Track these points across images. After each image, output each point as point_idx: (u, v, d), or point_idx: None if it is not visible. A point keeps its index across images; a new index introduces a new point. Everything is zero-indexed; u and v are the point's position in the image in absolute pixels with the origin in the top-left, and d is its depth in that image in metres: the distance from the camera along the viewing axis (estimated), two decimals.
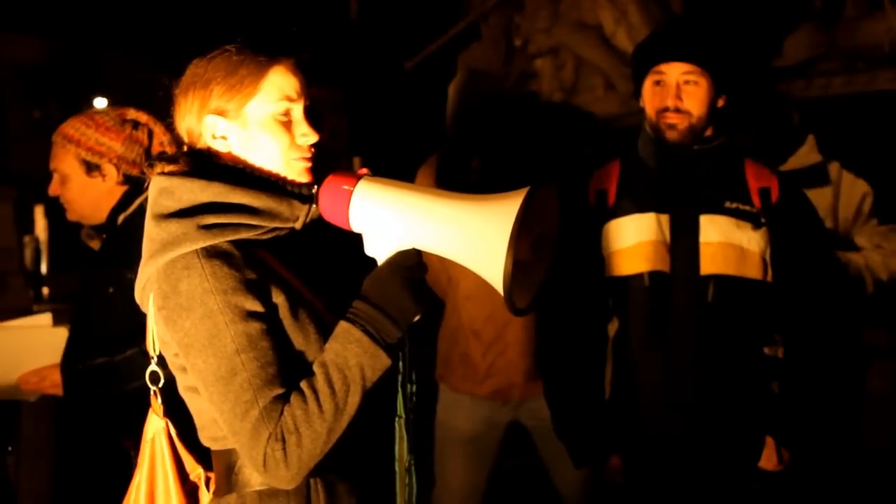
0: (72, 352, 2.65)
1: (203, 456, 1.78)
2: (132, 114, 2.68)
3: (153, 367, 1.77)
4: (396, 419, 1.68)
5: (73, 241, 2.90)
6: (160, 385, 1.78)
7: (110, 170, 2.64)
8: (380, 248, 1.63)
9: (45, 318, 2.75)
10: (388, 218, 1.60)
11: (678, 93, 2.46)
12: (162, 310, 1.61)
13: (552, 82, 6.68)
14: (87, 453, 2.80)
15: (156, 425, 1.80)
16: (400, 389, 1.67)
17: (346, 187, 1.62)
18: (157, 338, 1.71)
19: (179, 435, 1.80)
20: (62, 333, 2.67)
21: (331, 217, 1.65)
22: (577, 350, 2.64)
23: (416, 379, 1.69)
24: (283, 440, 1.53)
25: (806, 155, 3.15)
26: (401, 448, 1.68)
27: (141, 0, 10.20)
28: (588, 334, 2.64)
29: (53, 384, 2.61)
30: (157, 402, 1.80)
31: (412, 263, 1.60)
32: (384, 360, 1.58)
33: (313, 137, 1.69)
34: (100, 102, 9.84)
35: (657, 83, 2.50)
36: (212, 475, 1.76)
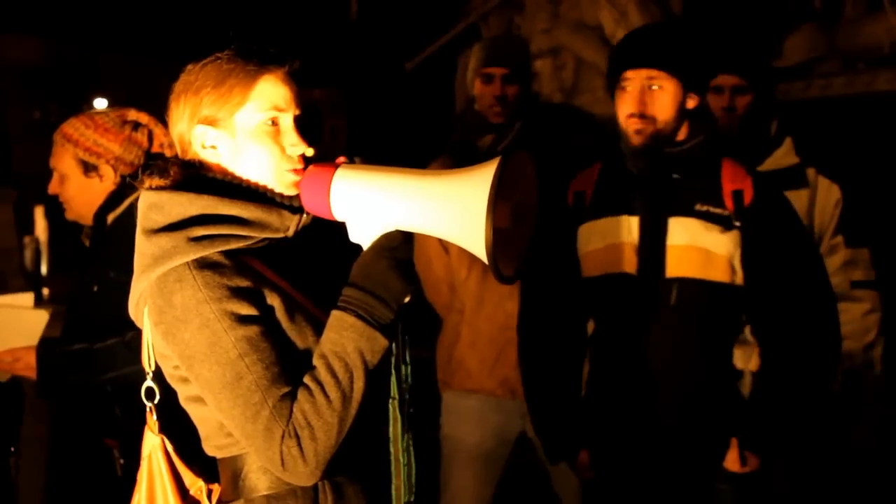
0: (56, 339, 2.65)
1: (204, 468, 1.78)
2: (133, 115, 2.69)
3: (149, 382, 1.76)
4: (390, 401, 1.67)
5: (73, 242, 2.90)
6: (156, 401, 1.78)
7: (107, 171, 2.64)
8: (364, 234, 1.63)
9: (27, 299, 2.73)
10: (368, 202, 1.60)
11: (642, 98, 2.50)
12: (159, 325, 1.61)
13: (552, 83, 6.68)
14: (73, 452, 2.80)
15: (152, 442, 1.79)
16: (394, 371, 1.66)
17: (324, 177, 1.62)
18: (153, 352, 1.71)
19: (177, 450, 1.79)
20: (42, 316, 2.65)
21: (313, 209, 1.65)
22: (555, 349, 2.67)
23: (410, 360, 1.68)
24: (297, 436, 1.54)
25: (783, 157, 3.17)
26: (395, 429, 1.67)
27: (141, 1, 10.20)
28: (566, 333, 2.68)
29: (27, 366, 2.57)
30: (152, 419, 1.79)
31: (396, 244, 1.61)
32: (381, 342, 1.58)
33: (302, 148, 1.67)
34: (100, 103, 9.83)
35: (623, 89, 2.54)
36: (213, 487, 1.76)
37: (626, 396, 2.55)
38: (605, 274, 2.56)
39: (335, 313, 1.59)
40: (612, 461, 2.61)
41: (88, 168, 2.64)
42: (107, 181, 2.65)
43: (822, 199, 3.13)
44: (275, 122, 1.66)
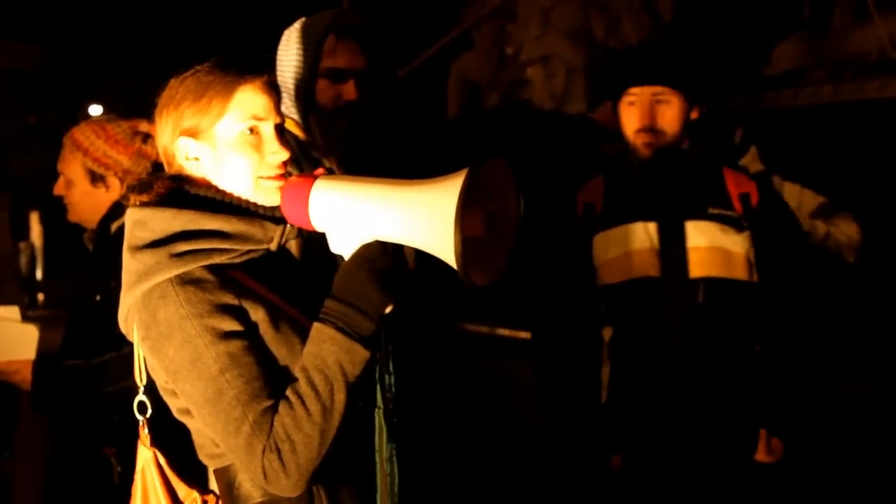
0: (54, 355, 2.65)
1: (200, 478, 1.80)
2: (145, 126, 2.67)
3: (140, 396, 1.78)
4: (376, 410, 1.68)
5: (72, 247, 2.91)
6: (147, 415, 1.80)
7: (115, 182, 2.64)
8: (344, 245, 1.64)
9: (13, 312, 2.71)
10: (347, 213, 1.61)
11: (651, 113, 2.59)
12: (145, 340, 1.63)
13: (543, 90, 6.71)
14: (71, 461, 2.80)
15: (144, 456, 1.80)
16: (378, 381, 1.68)
17: (303, 188, 1.63)
18: (144, 366, 1.73)
19: (171, 460, 1.80)
20: (30, 331, 2.65)
21: (293, 220, 1.66)
22: (573, 357, 2.71)
23: (395, 370, 1.69)
24: (278, 450, 1.55)
25: (748, 165, 3.22)
26: (380, 439, 1.68)
27: (136, 6, 10.21)
28: (583, 341, 2.71)
29: (23, 380, 2.57)
30: (144, 433, 1.81)
31: (375, 255, 1.61)
32: (362, 353, 1.58)
33: (283, 155, 1.68)
34: (95, 109, 9.84)
35: (631, 104, 2.62)
36: (208, 498, 1.78)
37: (658, 397, 2.61)
38: (627, 280, 2.62)
39: (316, 325, 1.60)
40: (646, 461, 2.66)
41: (96, 178, 2.65)
42: (113, 192, 2.65)
43: (791, 205, 3.17)
44: (254, 131, 1.67)
